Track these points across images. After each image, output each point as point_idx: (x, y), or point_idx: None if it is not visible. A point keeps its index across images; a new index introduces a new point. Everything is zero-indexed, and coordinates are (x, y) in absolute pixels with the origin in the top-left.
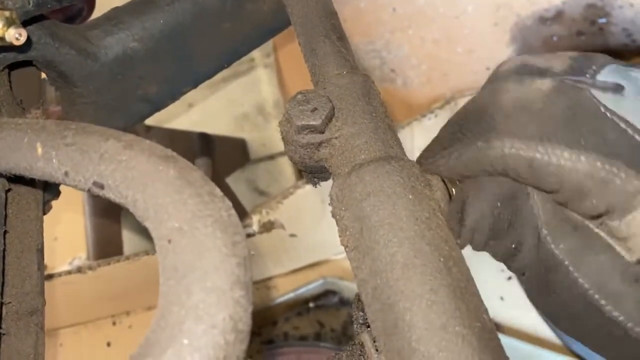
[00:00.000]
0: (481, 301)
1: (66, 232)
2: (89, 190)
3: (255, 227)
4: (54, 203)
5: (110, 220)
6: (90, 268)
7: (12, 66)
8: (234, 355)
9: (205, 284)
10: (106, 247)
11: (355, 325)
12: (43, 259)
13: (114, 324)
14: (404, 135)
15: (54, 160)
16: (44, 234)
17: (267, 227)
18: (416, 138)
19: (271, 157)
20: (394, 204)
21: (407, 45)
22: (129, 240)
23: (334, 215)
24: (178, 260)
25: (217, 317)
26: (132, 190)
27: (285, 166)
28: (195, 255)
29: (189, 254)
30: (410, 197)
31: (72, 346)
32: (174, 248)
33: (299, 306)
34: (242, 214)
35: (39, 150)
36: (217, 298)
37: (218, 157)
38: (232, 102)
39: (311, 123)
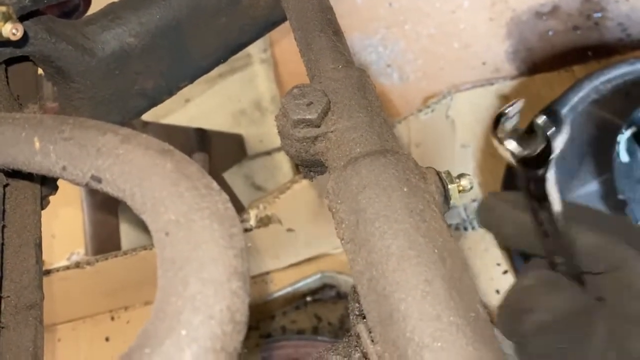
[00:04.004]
0: (476, 291)
1: (64, 227)
2: (86, 185)
3: (252, 222)
4: (52, 198)
5: (108, 215)
6: (88, 263)
7: (9, 61)
8: (231, 346)
9: (203, 276)
10: (104, 243)
11: (351, 317)
12: (41, 253)
13: (112, 319)
14: (400, 130)
15: (52, 155)
16: (43, 230)
17: (265, 221)
18: (412, 132)
19: (268, 153)
20: (389, 196)
21: (403, 40)
22: (127, 235)
23: (330, 209)
24: (175, 252)
25: (214, 308)
26: (129, 184)
27: (283, 162)
28: (192, 247)
29: (185, 246)
30: (405, 189)
31: (70, 341)
32: (171, 240)
33: (297, 300)
34: (240, 209)
35: (37, 144)
36: (215, 289)
37: (215, 153)
38: (229, 98)
39: (307, 117)
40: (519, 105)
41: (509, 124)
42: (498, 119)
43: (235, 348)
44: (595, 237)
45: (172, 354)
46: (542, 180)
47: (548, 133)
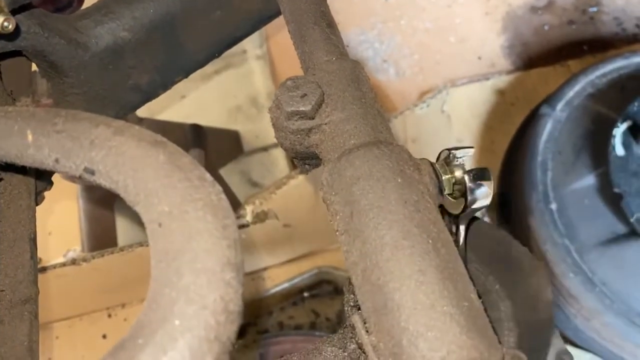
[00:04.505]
0: (469, 281)
1: (60, 225)
2: (80, 177)
3: (249, 218)
4: (48, 196)
5: (104, 212)
6: (84, 260)
7: (2, 56)
8: (224, 336)
9: (196, 266)
10: (101, 239)
11: (346, 308)
12: (36, 248)
13: (109, 316)
14: (396, 125)
15: (45, 147)
16: (39, 227)
17: (261, 217)
18: (408, 127)
19: (264, 149)
20: (383, 187)
21: (399, 35)
22: (124, 232)
23: (324, 200)
24: (168, 243)
25: (208, 299)
26: (122, 176)
27: (279, 158)
28: (186, 238)
29: (179, 237)
30: (399, 180)
31: (67, 339)
32: (164, 232)
33: (294, 296)
34: (236, 205)
35: (30, 137)
36: (208, 280)
37: (211, 149)
38: (225, 94)
39: (301, 109)
40: (469, 152)
41: (454, 161)
42: (445, 153)
43: (229, 337)
44: (475, 268)
45: (165, 344)
46: (456, 222)
47: (469, 189)
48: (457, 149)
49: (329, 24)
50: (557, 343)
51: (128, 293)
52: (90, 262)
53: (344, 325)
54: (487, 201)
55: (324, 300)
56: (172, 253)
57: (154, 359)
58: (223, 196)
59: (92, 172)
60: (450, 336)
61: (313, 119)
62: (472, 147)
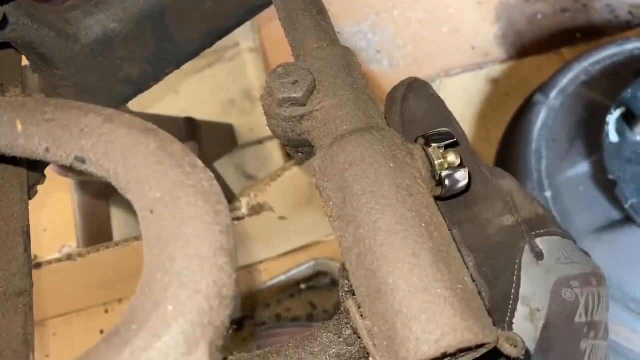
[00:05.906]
0: (463, 264)
1: (55, 221)
2: (70, 166)
3: (244, 210)
4: (43, 192)
5: (99, 207)
6: (80, 255)
7: None
8: (218, 320)
9: (189, 251)
10: (96, 234)
11: (340, 293)
12: (29, 241)
13: (106, 311)
14: None
15: (35, 137)
16: (33, 223)
17: (257, 209)
18: None
19: (259, 142)
20: (375, 172)
21: (392, 26)
22: (119, 227)
23: (317, 187)
24: (161, 229)
25: (201, 283)
26: (113, 164)
27: (274, 150)
28: (178, 224)
29: (171, 223)
30: (392, 165)
31: (64, 335)
32: (156, 218)
33: (291, 288)
34: (231, 199)
35: (19, 127)
36: (201, 264)
37: (205, 143)
38: (218, 88)
39: (292, 96)
40: (450, 143)
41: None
42: (430, 138)
43: (223, 322)
44: None
45: (159, 329)
46: None
47: (446, 182)
48: (438, 136)
49: (320, 11)
50: (557, 269)
51: (125, 288)
52: (86, 257)
53: (339, 311)
54: (460, 187)
55: (321, 292)
56: (164, 239)
57: (148, 344)
58: (215, 182)
59: (83, 161)
60: (445, 318)
61: (305, 105)
62: (454, 140)
